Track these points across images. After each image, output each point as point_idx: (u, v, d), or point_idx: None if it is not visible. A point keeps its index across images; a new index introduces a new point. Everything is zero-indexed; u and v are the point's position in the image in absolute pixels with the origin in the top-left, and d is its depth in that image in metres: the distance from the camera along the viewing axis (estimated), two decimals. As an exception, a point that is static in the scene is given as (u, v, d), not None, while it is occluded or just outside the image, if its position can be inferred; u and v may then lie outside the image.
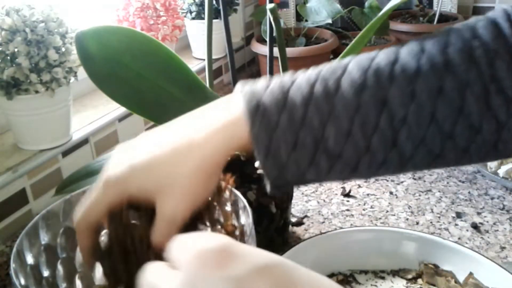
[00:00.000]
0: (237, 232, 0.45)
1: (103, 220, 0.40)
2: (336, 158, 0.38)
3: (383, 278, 0.63)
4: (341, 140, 0.38)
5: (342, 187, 0.85)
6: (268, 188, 0.41)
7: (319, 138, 0.38)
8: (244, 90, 0.39)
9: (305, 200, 0.83)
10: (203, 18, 1.07)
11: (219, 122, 0.39)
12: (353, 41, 0.64)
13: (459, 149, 0.38)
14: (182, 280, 0.26)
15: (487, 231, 0.73)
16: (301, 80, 0.39)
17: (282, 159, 0.38)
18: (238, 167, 0.66)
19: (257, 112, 0.38)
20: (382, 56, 0.39)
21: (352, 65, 0.39)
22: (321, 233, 0.65)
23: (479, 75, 0.37)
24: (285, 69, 0.71)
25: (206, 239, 0.28)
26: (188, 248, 0.28)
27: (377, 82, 0.38)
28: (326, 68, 0.40)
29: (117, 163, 0.39)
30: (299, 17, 1.32)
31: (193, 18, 1.13)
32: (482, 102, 0.37)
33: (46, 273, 0.46)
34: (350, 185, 0.86)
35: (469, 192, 0.83)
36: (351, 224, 0.76)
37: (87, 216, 0.39)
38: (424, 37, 0.41)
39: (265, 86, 0.39)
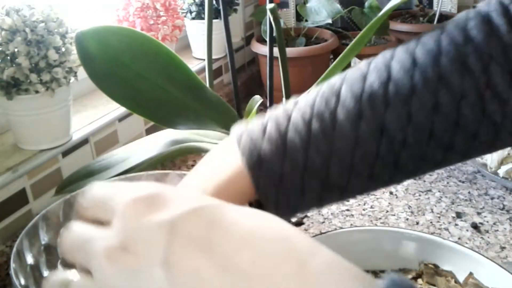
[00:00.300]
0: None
1: None
2: (342, 190, 0.39)
3: (383, 278, 0.63)
4: (345, 174, 0.38)
5: (342, 187, 0.85)
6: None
7: (324, 177, 0.38)
8: (242, 141, 0.38)
9: (305, 200, 0.83)
10: (203, 18, 1.07)
11: (221, 177, 0.38)
12: (353, 41, 0.64)
13: (458, 154, 0.39)
14: (117, 229, 0.26)
15: (487, 231, 0.73)
16: (296, 117, 0.38)
17: (292, 205, 0.39)
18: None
19: (260, 167, 0.37)
20: (374, 76, 0.38)
21: (345, 90, 0.38)
22: (321, 233, 0.65)
23: (473, 83, 0.36)
24: (285, 69, 0.71)
25: (137, 189, 0.28)
26: (121, 197, 0.27)
27: (373, 109, 0.37)
28: (319, 98, 0.39)
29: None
30: (299, 17, 1.32)
31: (193, 18, 1.13)
32: (478, 111, 0.36)
33: (46, 273, 0.46)
34: (350, 185, 0.86)
35: (469, 192, 0.83)
36: (351, 224, 0.76)
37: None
38: (414, 41, 0.39)
39: (261, 132, 0.38)
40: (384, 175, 0.39)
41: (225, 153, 0.40)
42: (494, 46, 0.36)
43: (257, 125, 0.39)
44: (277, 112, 0.40)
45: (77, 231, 0.29)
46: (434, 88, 0.37)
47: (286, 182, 0.37)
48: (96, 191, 0.30)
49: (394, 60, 0.38)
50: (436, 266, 0.62)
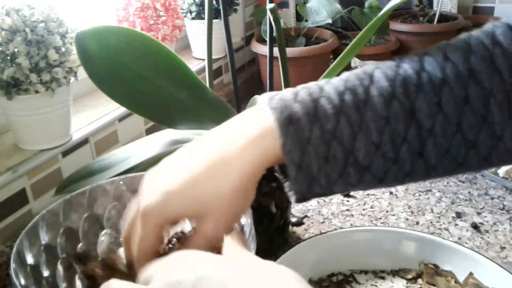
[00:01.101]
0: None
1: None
2: (365, 170, 0.38)
3: (383, 278, 0.63)
4: (370, 153, 0.38)
5: (342, 187, 0.85)
6: (292, 199, 0.41)
7: (350, 150, 0.38)
8: (272, 101, 0.39)
9: (305, 200, 0.82)
10: (203, 18, 1.07)
11: (250, 136, 0.38)
12: (353, 41, 0.64)
13: (481, 157, 0.39)
14: None
15: (487, 231, 0.73)
16: (329, 88, 0.39)
17: (313, 173, 0.38)
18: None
19: (289, 124, 0.37)
20: (407, 65, 0.39)
21: (378, 73, 0.39)
22: (321, 233, 0.65)
23: (501, 83, 0.37)
24: (285, 69, 0.71)
25: (184, 267, 0.31)
26: (165, 272, 0.32)
27: (405, 91, 0.38)
28: (353, 76, 0.40)
29: (151, 191, 0.39)
30: (299, 17, 1.32)
31: (193, 18, 1.13)
32: (505, 110, 0.37)
33: (46, 273, 0.46)
34: (350, 185, 0.86)
35: (469, 192, 0.83)
36: (351, 224, 0.76)
37: (143, 256, 0.40)
38: (443, 44, 0.41)
39: (293, 95, 0.39)
40: (407, 163, 0.38)
41: (255, 113, 0.40)
42: None
43: (288, 91, 0.40)
44: (308, 85, 0.40)
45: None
46: (465, 82, 0.37)
47: (312, 146, 0.37)
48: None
49: (426, 55, 0.40)
50: (436, 266, 0.62)
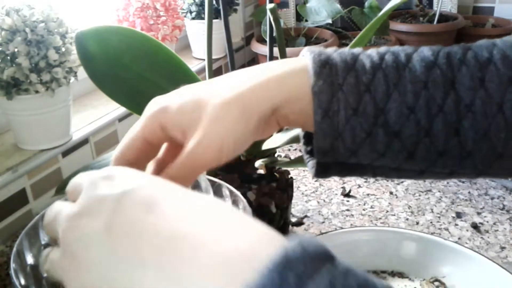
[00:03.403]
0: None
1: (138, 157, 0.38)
2: (395, 136, 0.36)
3: (383, 278, 0.63)
4: (403, 116, 0.36)
5: (342, 187, 0.85)
6: (312, 172, 0.39)
7: (381, 108, 0.36)
8: (312, 48, 0.38)
9: (305, 200, 0.83)
10: (203, 18, 1.07)
11: (280, 71, 0.36)
12: (353, 41, 0.64)
13: None
14: (79, 200, 0.29)
15: (487, 231, 0.73)
16: (370, 51, 0.38)
17: (339, 124, 0.36)
18: (238, 167, 0.66)
19: (324, 66, 0.36)
20: (452, 47, 0.38)
21: (422, 48, 0.38)
22: (321, 233, 0.65)
23: None
24: (285, 69, 0.71)
25: (115, 183, 0.30)
26: (93, 186, 0.30)
27: (448, 62, 0.37)
28: (395, 47, 0.39)
29: (165, 96, 0.38)
30: (299, 17, 1.32)
31: (193, 18, 1.13)
32: None
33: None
34: (350, 185, 0.86)
35: (469, 192, 0.83)
36: (351, 224, 0.76)
37: (124, 151, 0.38)
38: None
39: (334, 50, 0.38)
40: (440, 138, 0.36)
41: (288, 59, 0.38)
42: None
43: (330, 48, 0.39)
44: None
45: (53, 207, 0.32)
46: (511, 65, 0.36)
47: (343, 94, 0.35)
48: (74, 179, 0.33)
49: (473, 43, 0.39)
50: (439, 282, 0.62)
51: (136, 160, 0.38)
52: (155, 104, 0.38)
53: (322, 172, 0.39)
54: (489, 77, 0.36)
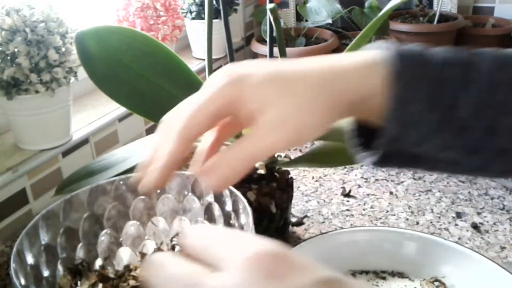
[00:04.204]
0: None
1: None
2: (464, 129, 0.36)
3: (384, 278, 0.63)
4: (474, 111, 0.35)
5: (342, 187, 0.85)
6: (369, 160, 0.38)
7: (454, 103, 0.35)
8: (386, 43, 0.37)
9: (305, 200, 0.83)
10: (203, 18, 1.07)
11: (351, 63, 0.35)
12: (353, 41, 0.64)
13: None
14: (235, 281, 0.23)
15: (487, 231, 0.73)
16: (443, 48, 0.37)
17: (411, 114, 0.35)
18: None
19: (400, 57, 0.35)
20: None
21: (491, 48, 0.38)
22: (321, 233, 0.65)
23: None
24: (285, 69, 0.71)
25: (258, 242, 0.25)
26: (241, 248, 0.25)
27: None
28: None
29: (247, 66, 0.35)
30: (299, 17, 1.32)
31: (193, 18, 1.13)
32: None
33: (46, 273, 0.46)
34: (350, 185, 0.86)
35: (469, 192, 0.83)
36: (351, 224, 0.76)
37: (190, 125, 0.34)
38: None
39: (406, 44, 0.37)
40: (506, 137, 0.36)
41: (363, 52, 0.37)
42: None
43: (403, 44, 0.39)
44: None
45: (177, 270, 0.26)
46: None
47: (419, 86, 0.35)
48: (197, 232, 0.28)
49: None
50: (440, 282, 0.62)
51: (199, 135, 0.34)
52: (230, 73, 0.34)
53: (381, 162, 0.38)
54: None
